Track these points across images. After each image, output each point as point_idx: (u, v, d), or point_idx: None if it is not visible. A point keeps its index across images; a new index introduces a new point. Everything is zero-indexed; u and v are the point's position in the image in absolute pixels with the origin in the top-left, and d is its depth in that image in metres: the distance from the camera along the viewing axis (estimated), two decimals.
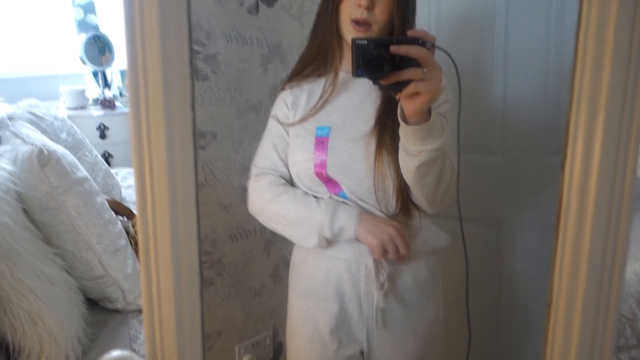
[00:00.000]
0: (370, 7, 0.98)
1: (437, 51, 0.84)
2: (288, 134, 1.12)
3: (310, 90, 1.11)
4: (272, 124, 1.16)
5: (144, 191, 0.39)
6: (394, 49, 0.79)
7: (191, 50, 0.37)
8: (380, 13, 0.99)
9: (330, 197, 1.06)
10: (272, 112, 1.17)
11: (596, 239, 0.36)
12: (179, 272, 0.41)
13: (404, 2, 1.01)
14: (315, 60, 1.10)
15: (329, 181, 1.05)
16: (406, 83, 0.79)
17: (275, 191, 1.10)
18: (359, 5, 0.98)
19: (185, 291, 0.41)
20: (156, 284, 0.41)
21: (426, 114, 0.83)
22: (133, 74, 0.37)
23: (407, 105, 0.82)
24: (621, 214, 0.35)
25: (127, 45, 0.37)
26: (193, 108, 0.39)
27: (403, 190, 1.01)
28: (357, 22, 0.99)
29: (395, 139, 0.96)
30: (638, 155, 0.34)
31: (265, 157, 1.15)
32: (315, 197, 1.08)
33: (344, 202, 1.06)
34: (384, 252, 1.01)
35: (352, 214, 1.03)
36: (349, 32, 1.01)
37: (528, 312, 1.68)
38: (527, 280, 1.69)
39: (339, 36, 1.06)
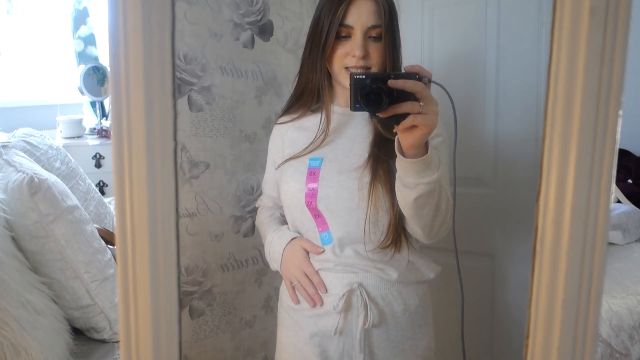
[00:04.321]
0: (365, 56, 0.99)
1: (432, 87, 0.85)
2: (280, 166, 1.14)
3: (301, 125, 1.12)
4: (269, 159, 1.23)
5: (124, 219, 0.40)
6: (391, 82, 0.80)
7: (174, 82, 0.38)
8: (375, 57, 1.01)
9: (287, 229, 1.15)
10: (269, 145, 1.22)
11: (572, 271, 0.36)
12: (157, 299, 0.40)
13: (393, 44, 1.02)
14: (302, 99, 1.12)
15: (318, 216, 1.05)
16: (404, 116, 0.81)
17: (261, 217, 1.25)
18: (354, 56, 0.99)
19: (164, 321, 0.41)
20: (134, 312, 0.41)
21: (423, 147, 0.84)
22: (116, 104, 0.38)
23: (404, 138, 0.83)
24: (596, 245, 0.35)
25: (111, 73, 0.38)
26: (175, 137, 0.39)
27: (397, 223, 1.01)
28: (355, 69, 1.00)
29: (390, 172, 0.97)
30: (611, 187, 0.34)
31: (264, 189, 1.26)
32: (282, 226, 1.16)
33: (288, 231, 1.13)
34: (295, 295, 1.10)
35: (280, 247, 1.11)
36: (345, 79, 1.01)
37: (521, 345, 1.66)
38: (521, 313, 1.67)
39: (329, 78, 1.08)
